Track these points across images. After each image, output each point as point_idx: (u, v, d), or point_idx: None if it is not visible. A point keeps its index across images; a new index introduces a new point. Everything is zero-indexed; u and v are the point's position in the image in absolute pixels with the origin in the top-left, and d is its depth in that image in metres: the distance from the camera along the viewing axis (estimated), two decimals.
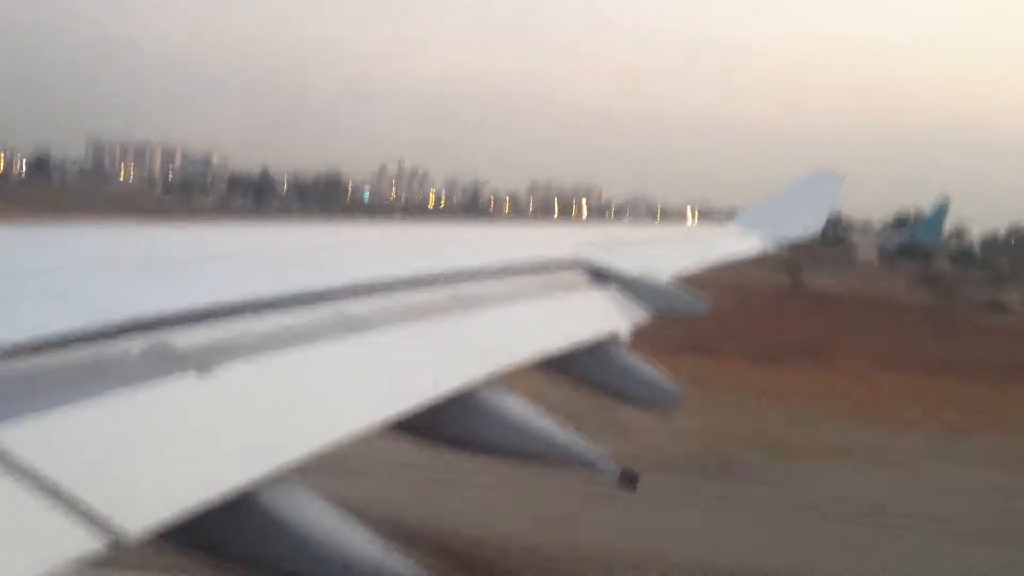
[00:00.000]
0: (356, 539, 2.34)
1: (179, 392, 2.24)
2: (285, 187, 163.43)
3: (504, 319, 4.02)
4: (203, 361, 2.36)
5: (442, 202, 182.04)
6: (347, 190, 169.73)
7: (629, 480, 3.43)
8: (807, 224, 12.51)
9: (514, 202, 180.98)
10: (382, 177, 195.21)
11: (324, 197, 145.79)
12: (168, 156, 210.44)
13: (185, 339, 2.41)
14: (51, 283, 2.52)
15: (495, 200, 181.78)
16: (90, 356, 2.15)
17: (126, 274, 2.82)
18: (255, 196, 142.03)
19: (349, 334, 2.97)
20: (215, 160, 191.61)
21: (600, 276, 5.29)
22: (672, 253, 7.67)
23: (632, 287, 5.33)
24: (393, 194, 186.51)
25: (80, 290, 2.52)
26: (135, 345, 2.27)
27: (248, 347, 2.55)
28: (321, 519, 2.31)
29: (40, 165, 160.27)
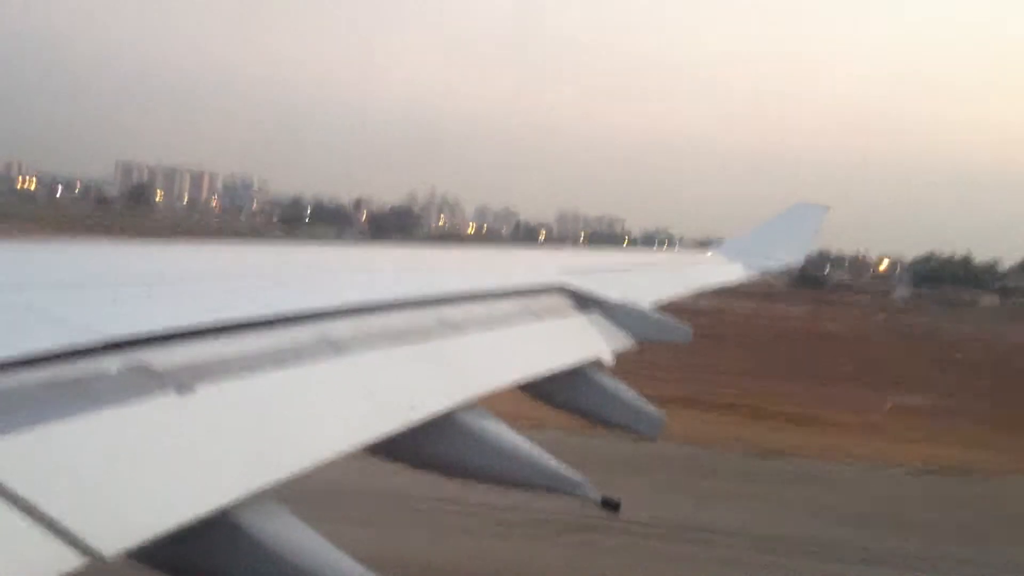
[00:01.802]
0: (335, 561, 2.31)
1: (158, 412, 2.20)
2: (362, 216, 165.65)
3: (486, 344, 4.00)
4: (183, 381, 2.32)
5: (483, 229, 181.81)
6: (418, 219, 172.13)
7: (610, 505, 3.48)
8: (790, 254, 12.75)
9: (544, 230, 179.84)
10: (411, 204, 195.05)
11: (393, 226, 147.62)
12: (196, 180, 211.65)
13: (165, 359, 2.37)
14: (30, 301, 2.47)
15: (525, 228, 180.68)
16: (69, 375, 2.11)
17: (107, 292, 2.75)
18: (332, 224, 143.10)
19: (331, 356, 2.94)
20: (256, 186, 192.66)
21: (583, 302, 5.26)
22: (656, 280, 7.67)
23: (615, 313, 5.30)
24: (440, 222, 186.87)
25: (60, 308, 2.47)
26: (114, 364, 2.24)
27: (228, 367, 2.51)
28: (300, 541, 2.29)
29: (137, 194, 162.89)
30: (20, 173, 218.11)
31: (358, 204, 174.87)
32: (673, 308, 6.46)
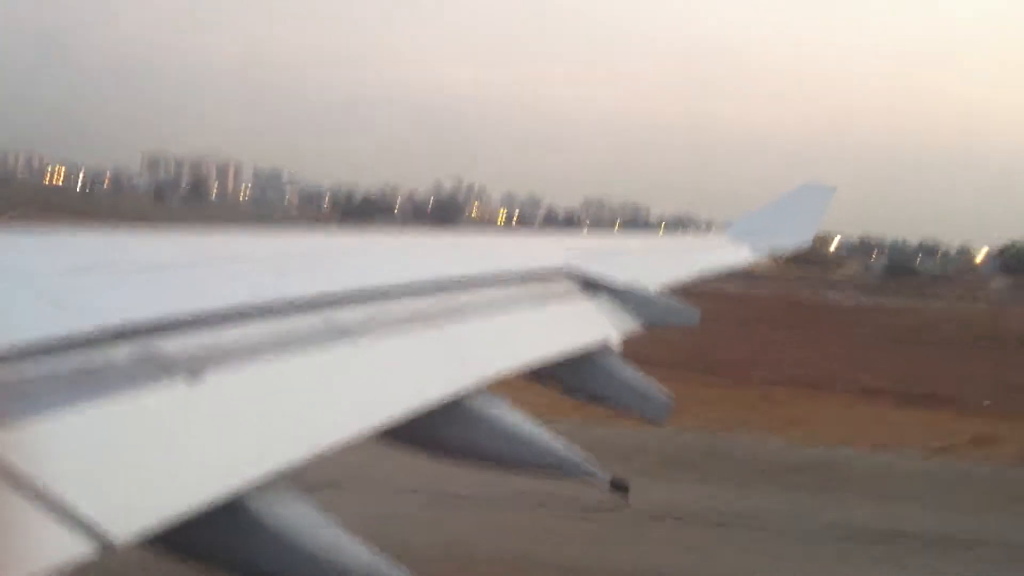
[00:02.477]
0: (347, 546, 2.33)
1: (168, 398, 2.22)
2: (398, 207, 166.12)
3: (493, 328, 4.00)
4: (193, 367, 2.34)
5: (513, 217, 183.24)
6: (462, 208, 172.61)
7: (620, 488, 3.49)
8: (797, 235, 12.57)
9: (570, 216, 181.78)
10: (438, 191, 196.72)
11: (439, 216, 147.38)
12: (222, 171, 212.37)
13: (175, 345, 2.40)
14: (41, 287, 2.49)
15: (556, 215, 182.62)
16: (79, 362, 2.13)
17: (118, 279, 2.78)
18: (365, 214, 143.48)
19: (338, 342, 2.97)
20: (285, 176, 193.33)
21: (590, 286, 5.28)
22: (662, 263, 7.63)
23: (622, 297, 5.32)
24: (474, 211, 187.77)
25: (70, 295, 2.47)
26: (124, 351, 2.26)
27: (238, 353, 2.53)
28: (312, 526, 2.31)
29: (196, 187, 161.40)
30: (40, 165, 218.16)
31: (403, 194, 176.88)
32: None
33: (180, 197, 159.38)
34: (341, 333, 3.03)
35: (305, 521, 2.31)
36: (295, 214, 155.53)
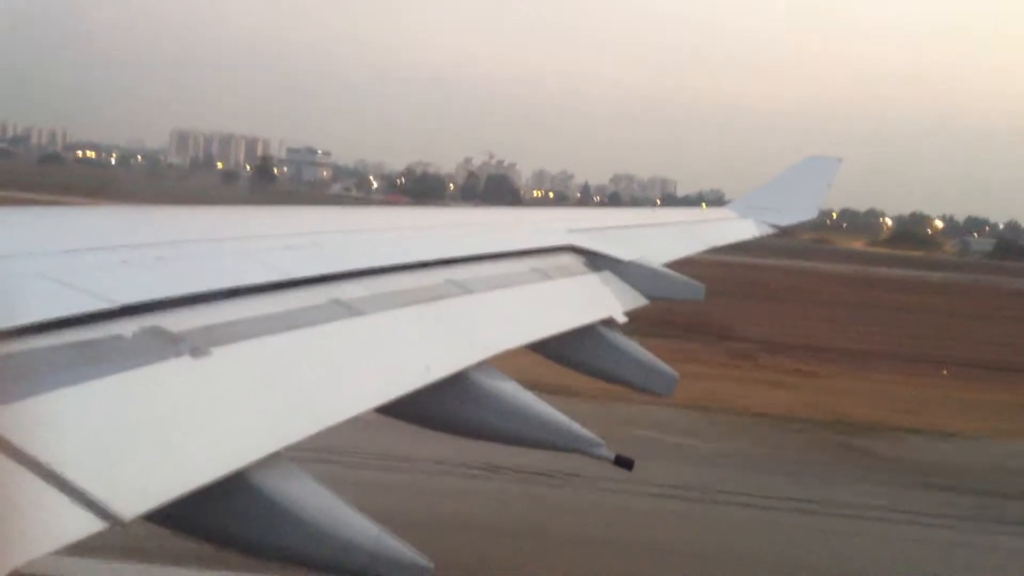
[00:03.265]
0: (351, 521, 2.34)
1: (174, 375, 2.23)
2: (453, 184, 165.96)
3: (499, 304, 4.01)
4: (199, 344, 2.35)
5: (550, 194, 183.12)
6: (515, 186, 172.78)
7: (624, 464, 3.52)
8: (803, 209, 12.39)
9: (599, 192, 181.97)
10: (466, 169, 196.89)
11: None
12: (251, 147, 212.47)
13: (181, 322, 2.40)
14: (47, 266, 2.48)
15: (589, 190, 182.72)
16: (86, 339, 2.14)
17: (124, 257, 2.76)
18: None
19: (343, 318, 2.98)
20: (320, 154, 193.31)
21: (595, 261, 5.30)
22: (668, 238, 7.61)
23: (627, 271, 5.35)
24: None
25: (75, 274, 2.46)
26: (130, 328, 2.26)
27: (243, 331, 2.54)
28: (316, 501, 2.31)
29: (264, 168, 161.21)
30: (63, 143, 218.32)
31: (465, 171, 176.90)
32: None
33: (268, 179, 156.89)
34: (346, 309, 3.03)
35: (311, 496, 2.31)
36: (336, 191, 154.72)
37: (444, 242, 4.60)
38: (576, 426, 3.48)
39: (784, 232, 11.97)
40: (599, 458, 3.50)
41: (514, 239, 5.12)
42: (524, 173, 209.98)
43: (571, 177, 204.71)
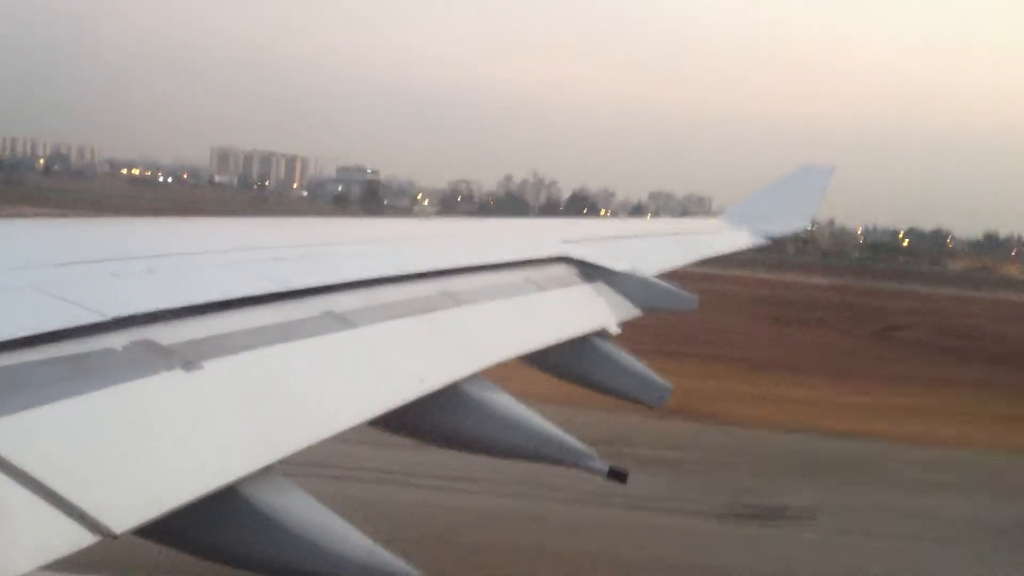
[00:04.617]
0: (343, 534, 2.33)
1: (166, 388, 2.21)
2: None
3: (492, 315, 3.99)
4: (190, 357, 2.33)
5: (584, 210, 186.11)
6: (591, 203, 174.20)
7: (618, 476, 3.49)
8: (796, 218, 12.38)
9: (637, 208, 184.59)
10: (507, 186, 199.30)
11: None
12: (291, 165, 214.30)
13: (172, 335, 2.39)
14: (39, 279, 2.48)
15: (629, 207, 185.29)
16: (77, 352, 2.13)
17: (115, 270, 2.77)
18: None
19: (336, 330, 2.97)
20: (370, 172, 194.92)
21: (588, 271, 5.29)
22: (662, 248, 7.62)
23: (620, 282, 5.34)
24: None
25: (66, 286, 2.46)
26: (121, 341, 2.25)
27: (235, 343, 2.53)
28: (308, 515, 2.30)
29: (370, 192, 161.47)
30: (91, 159, 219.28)
31: (505, 189, 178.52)
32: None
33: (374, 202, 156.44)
34: (339, 321, 3.02)
35: (303, 510, 2.30)
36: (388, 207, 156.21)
37: (438, 253, 4.64)
38: (570, 438, 3.46)
39: (776, 242, 11.85)
40: (593, 471, 3.47)
41: (508, 250, 5.13)
42: (564, 191, 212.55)
43: (612, 195, 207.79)
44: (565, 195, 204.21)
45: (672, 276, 6.35)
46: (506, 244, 5.55)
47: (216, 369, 2.36)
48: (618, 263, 5.55)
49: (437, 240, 5.36)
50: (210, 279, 2.97)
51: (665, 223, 13.40)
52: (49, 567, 1.64)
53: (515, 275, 4.62)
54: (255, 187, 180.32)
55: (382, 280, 3.57)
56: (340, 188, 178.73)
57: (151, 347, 2.30)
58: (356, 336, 3.01)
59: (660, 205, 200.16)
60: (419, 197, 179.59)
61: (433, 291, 3.77)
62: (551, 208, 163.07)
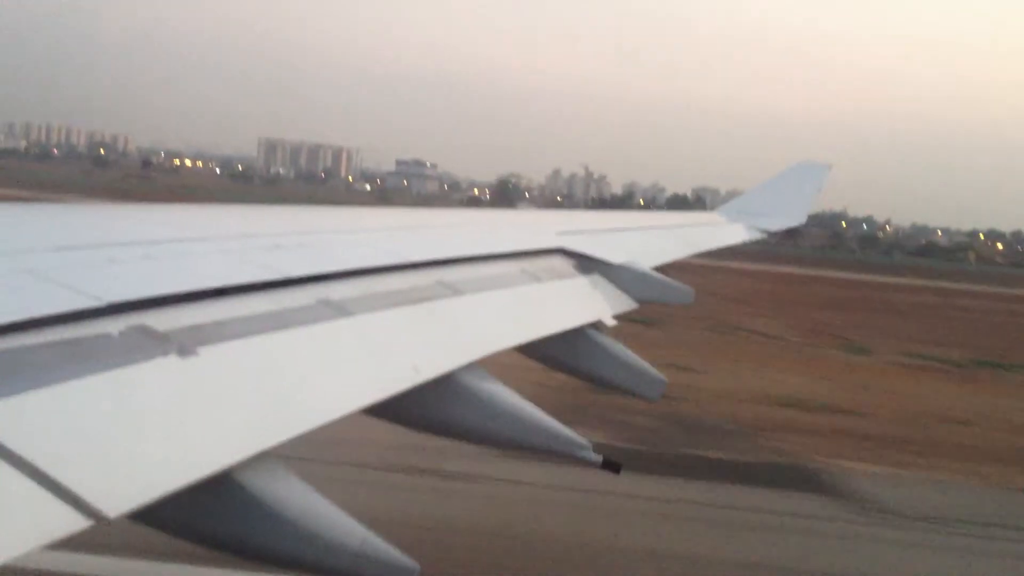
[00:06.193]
0: (337, 522, 2.34)
1: (161, 374, 2.22)
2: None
3: (487, 305, 4.01)
4: (185, 343, 2.34)
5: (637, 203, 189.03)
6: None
7: (612, 467, 3.53)
8: (792, 214, 12.52)
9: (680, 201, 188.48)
10: (556, 180, 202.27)
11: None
12: (337, 157, 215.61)
13: (168, 321, 2.40)
14: (35, 264, 2.49)
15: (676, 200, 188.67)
16: (72, 337, 2.14)
17: (112, 255, 2.78)
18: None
19: (331, 318, 2.98)
20: (429, 165, 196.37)
21: (584, 263, 5.31)
22: (658, 241, 7.66)
23: (616, 275, 5.35)
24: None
25: (62, 271, 2.47)
26: (117, 327, 2.26)
27: (230, 330, 2.54)
28: (302, 501, 2.31)
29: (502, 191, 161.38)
30: (133, 149, 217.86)
31: (555, 183, 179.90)
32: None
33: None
34: (335, 309, 3.03)
35: (297, 497, 2.31)
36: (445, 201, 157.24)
37: (435, 243, 4.66)
38: (564, 428, 3.47)
39: (772, 237, 12.02)
40: (586, 461, 3.48)
41: (505, 241, 5.15)
42: (614, 185, 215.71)
43: (662, 190, 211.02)
44: (615, 190, 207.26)
45: (672, 268, 6.44)
46: (503, 235, 5.61)
47: (211, 355, 2.38)
48: (615, 255, 5.57)
49: (434, 230, 5.42)
50: (207, 266, 3.00)
51: (662, 216, 13.51)
52: (43, 548, 1.65)
53: (512, 266, 4.65)
54: (321, 176, 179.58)
55: (378, 269, 3.60)
56: (404, 183, 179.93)
57: (147, 333, 2.32)
58: (351, 324, 3.03)
59: (705, 200, 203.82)
60: (476, 192, 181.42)
61: (429, 280, 3.79)
62: (600, 203, 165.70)
